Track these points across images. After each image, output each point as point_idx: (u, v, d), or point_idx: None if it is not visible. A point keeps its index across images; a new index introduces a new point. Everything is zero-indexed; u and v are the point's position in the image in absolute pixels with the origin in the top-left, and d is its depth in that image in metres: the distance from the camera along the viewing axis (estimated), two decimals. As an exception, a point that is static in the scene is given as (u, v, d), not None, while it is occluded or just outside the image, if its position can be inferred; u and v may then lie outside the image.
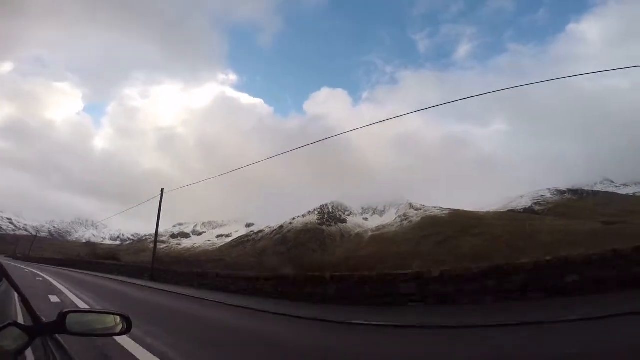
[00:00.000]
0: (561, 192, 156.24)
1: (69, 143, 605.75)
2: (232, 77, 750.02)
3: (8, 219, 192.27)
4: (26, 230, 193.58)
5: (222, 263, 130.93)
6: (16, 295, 1.61)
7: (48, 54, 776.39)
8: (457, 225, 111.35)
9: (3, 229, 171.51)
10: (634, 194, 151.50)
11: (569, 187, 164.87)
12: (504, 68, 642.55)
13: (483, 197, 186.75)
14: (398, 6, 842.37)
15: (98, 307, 7.97)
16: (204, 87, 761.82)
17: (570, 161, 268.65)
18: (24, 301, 1.54)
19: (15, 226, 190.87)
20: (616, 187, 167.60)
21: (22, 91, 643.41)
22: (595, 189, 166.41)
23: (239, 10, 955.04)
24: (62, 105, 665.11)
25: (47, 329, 1.40)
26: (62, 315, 1.38)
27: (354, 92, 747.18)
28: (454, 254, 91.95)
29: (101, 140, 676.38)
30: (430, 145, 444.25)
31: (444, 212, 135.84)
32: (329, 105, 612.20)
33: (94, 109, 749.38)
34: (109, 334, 1.74)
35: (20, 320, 1.35)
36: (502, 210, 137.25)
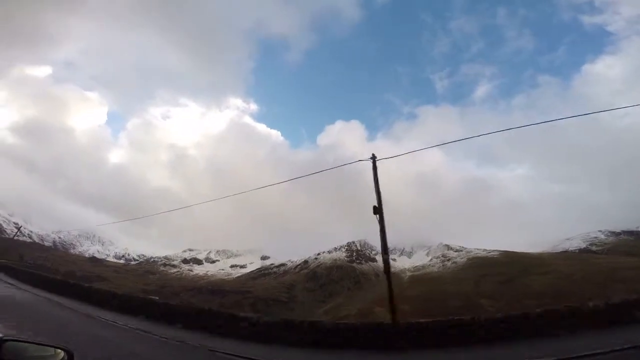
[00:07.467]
0: (615, 234, 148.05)
1: (84, 153, 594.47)
2: (253, 106, 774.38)
3: (15, 223, 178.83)
4: (30, 237, 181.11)
5: (249, 295, 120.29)
6: None
7: (81, 59, 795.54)
8: (516, 265, 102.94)
9: (7, 234, 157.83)
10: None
11: (609, 229, 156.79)
12: (526, 106, 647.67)
13: (518, 240, 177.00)
14: (418, 46, 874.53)
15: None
16: (223, 112, 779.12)
17: (602, 204, 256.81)
18: None
19: (21, 232, 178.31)
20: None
21: (51, 95, 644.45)
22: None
23: (270, 26, 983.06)
24: (86, 114, 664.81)
25: None
26: None
27: (370, 128, 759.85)
28: (525, 292, 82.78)
29: (116, 154, 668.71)
30: (452, 187, 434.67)
31: (491, 253, 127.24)
32: (343, 137, 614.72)
33: (114, 121, 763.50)
34: None
35: None
36: (554, 252, 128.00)
